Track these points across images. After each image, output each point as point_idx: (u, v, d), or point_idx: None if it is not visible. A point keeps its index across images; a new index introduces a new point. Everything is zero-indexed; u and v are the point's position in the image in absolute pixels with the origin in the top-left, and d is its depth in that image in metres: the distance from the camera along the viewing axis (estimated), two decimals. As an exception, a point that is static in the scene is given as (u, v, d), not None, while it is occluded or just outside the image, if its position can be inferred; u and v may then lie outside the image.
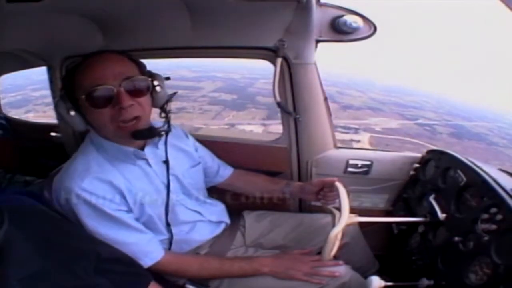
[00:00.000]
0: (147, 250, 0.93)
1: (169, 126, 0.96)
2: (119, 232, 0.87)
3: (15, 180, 1.91)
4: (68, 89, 0.87)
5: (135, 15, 1.16)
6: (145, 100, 0.87)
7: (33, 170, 1.96)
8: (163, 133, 0.92)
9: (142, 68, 0.91)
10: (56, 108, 0.87)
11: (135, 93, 0.84)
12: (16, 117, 2.41)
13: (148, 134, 0.90)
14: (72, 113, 0.85)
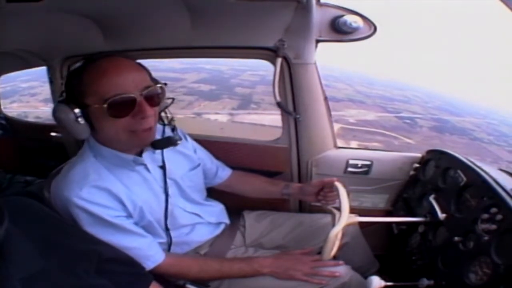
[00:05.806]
0: (149, 253, 0.92)
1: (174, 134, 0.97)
2: (121, 238, 0.87)
3: (15, 180, 1.91)
4: (74, 94, 0.82)
5: (135, 15, 1.16)
6: (157, 108, 0.88)
7: (33, 170, 1.96)
8: (179, 142, 0.93)
9: (151, 75, 0.90)
10: (59, 114, 0.81)
11: (153, 102, 0.83)
12: (17, 117, 2.41)
13: (167, 143, 0.92)
14: (81, 121, 0.81)
